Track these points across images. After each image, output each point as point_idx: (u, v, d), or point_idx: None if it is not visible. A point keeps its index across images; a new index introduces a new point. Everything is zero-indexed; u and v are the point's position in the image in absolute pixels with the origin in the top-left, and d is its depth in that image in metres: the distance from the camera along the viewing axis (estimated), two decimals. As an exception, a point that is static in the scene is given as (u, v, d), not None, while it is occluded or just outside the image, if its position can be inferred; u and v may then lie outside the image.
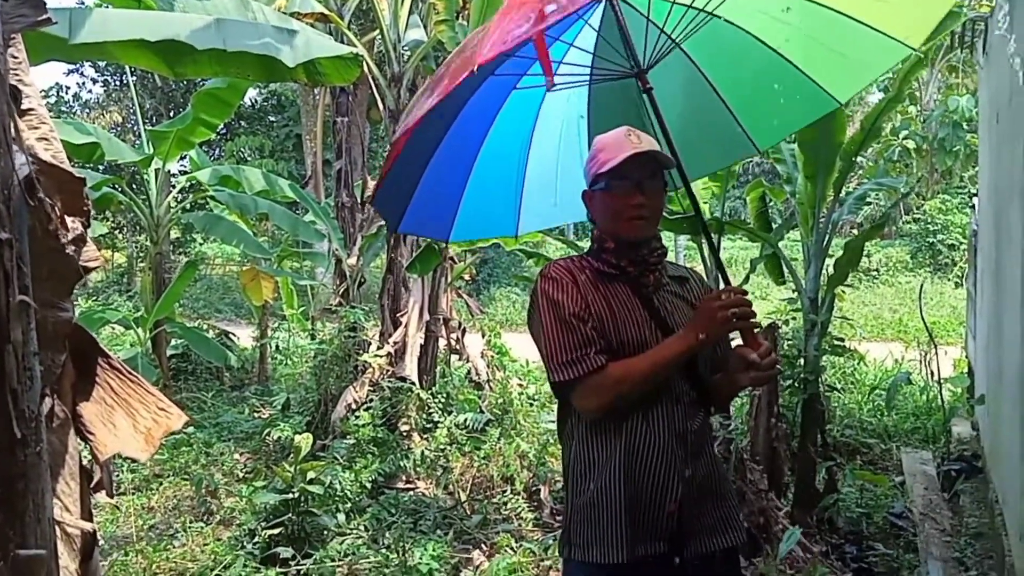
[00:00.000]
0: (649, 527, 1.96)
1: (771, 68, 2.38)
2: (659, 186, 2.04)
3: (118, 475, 5.70)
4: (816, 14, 2.25)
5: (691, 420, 2.03)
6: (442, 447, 5.56)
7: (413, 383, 5.99)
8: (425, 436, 5.77)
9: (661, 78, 2.16)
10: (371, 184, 7.09)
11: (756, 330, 1.97)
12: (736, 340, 2.04)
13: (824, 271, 4.68)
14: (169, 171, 7.81)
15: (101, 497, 1.54)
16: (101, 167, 10.32)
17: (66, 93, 22.83)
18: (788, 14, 2.30)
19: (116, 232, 18.94)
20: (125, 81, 20.55)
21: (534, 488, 5.22)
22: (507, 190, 2.56)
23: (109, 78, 22.98)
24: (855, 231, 17.80)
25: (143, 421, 1.43)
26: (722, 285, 2.04)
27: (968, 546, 3.95)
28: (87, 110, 23.25)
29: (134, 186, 8.67)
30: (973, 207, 7.34)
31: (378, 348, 6.23)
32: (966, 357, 7.56)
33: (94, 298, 16.65)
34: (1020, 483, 2.94)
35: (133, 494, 5.49)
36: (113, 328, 10.71)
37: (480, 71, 1.79)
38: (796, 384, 4.63)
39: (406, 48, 6.13)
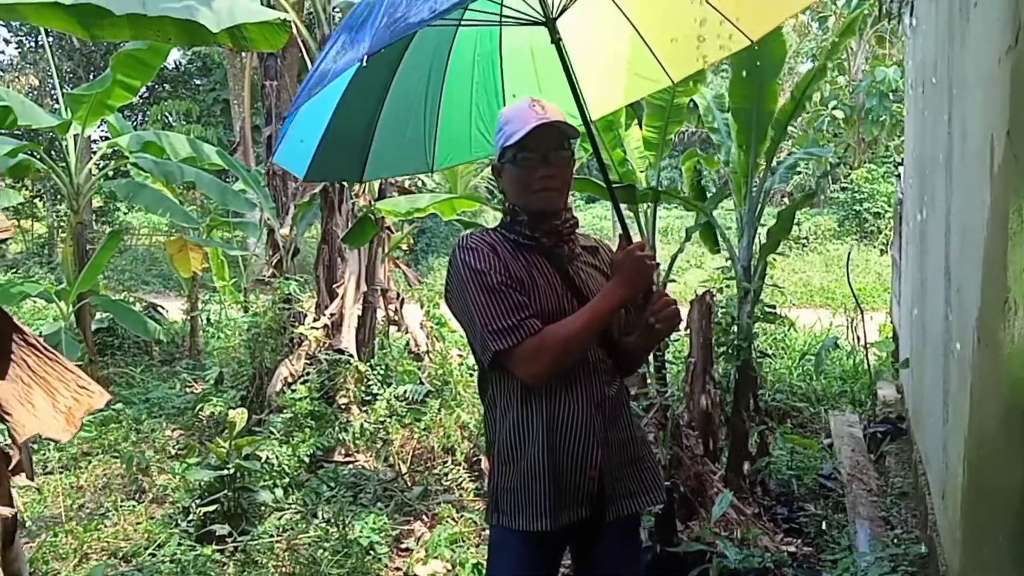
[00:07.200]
0: (572, 494, 2.00)
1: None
2: (566, 156, 2.05)
3: (44, 454, 5.52)
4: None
5: (608, 386, 2.07)
6: (381, 419, 5.52)
7: (351, 355, 5.91)
8: (364, 409, 5.71)
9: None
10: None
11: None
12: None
13: (756, 239, 4.75)
14: (89, 137, 7.48)
15: (21, 480, 1.46)
16: (18, 133, 9.85)
17: (-24, 55, 21.80)
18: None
19: (36, 201, 18.18)
20: (41, 43, 19.58)
21: (475, 458, 5.22)
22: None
23: (24, 39, 21.91)
24: (786, 200, 18.19)
25: (63, 400, 1.34)
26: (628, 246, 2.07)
27: (894, 505, 4.09)
28: (0, 73, 22.16)
29: (53, 153, 8.28)
30: (898, 176, 7.55)
31: (314, 320, 6.12)
32: (891, 322, 7.80)
33: (13, 270, 16.00)
34: (942, 444, 3.05)
35: (61, 473, 5.32)
36: (34, 302, 10.32)
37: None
38: (730, 351, 4.72)
39: (336, 10, 5.97)
